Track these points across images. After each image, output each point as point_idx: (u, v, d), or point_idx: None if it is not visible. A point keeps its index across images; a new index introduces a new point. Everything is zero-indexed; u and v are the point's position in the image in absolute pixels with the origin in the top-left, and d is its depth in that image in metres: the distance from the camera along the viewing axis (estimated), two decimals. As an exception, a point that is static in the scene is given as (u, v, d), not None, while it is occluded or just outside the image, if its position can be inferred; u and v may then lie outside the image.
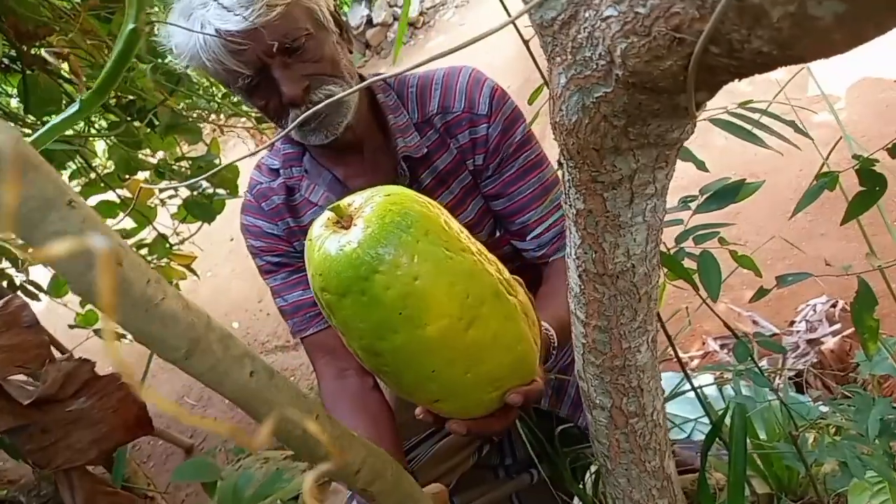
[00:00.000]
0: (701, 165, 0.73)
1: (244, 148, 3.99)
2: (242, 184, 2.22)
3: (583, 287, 0.50)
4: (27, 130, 1.78)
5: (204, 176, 1.16)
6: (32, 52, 1.61)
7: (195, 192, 2.22)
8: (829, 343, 2.09)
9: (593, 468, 1.19)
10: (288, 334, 3.54)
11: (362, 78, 1.09)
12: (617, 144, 0.41)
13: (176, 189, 2.26)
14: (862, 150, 0.95)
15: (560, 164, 0.45)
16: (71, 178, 2.26)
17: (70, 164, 2.16)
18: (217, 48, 0.91)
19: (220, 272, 4.33)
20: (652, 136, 0.41)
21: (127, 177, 2.18)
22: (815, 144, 0.95)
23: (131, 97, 1.99)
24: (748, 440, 0.92)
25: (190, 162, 2.20)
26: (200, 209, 2.21)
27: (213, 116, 2.35)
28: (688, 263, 0.77)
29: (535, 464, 1.24)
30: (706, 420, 1.18)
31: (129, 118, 1.97)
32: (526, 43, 0.63)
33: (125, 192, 2.17)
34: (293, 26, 0.92)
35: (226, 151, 5.07)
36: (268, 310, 3.80)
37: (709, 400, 1.09)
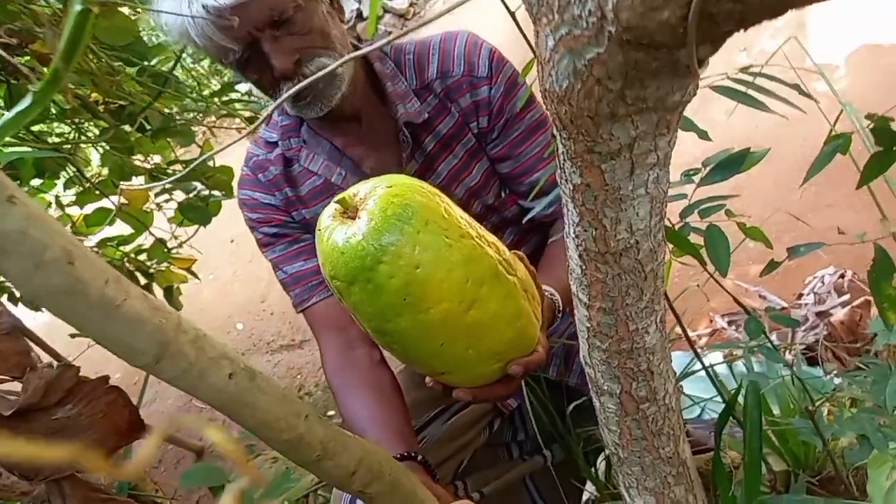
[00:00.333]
0: (703, 134, 0.70)
1: (239, 148, 3.97)
2: (237, 184, 2.20)
3: (584, 268, 0.47)
4: None
5: (180, 175, 1.14)
6: (15, 60, 1.58)
7: (190, 195, 2.20)
8: (839, 314, 2.06)
9: (606, 451, 1.17)
10: (293, 333, 3.54)
11: (356, 48, 1.08)
12: (613, 110, 0.37)
13: (170, 192, 2.23)
14: (859, 119, 0.91)
15: (553, 135, 0.42)
16: (65, 186, 2.24)
17: (63, 172, 2.14)
18: (205, 24, 0.90)
19: (222, 275, 4.30)
20: (651, 100, 0.38)
21: (122, 183, 2.16)
22: (821, 110, 0.92)
23: (121, 102, 1.96)
24: (762, 417, 0.89)
25: (183, 165, 2.17)
26: (196, 212, 2.18)
27: (204, 118, 2.32)
28: (694, 239, 0.74)
29: (548, 441, 1.25)
30: (717, 399, 1.15)
31: (119, 123, 1.94)
32: (512, 14, 0.60)
33: (122, 199, 2.14)
34: None
35: (221, 153, 5.04)
36: (271, 309, 3.78)
37: (720, 378, 1.06)
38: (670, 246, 0.73)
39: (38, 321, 1.95)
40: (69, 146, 1.97)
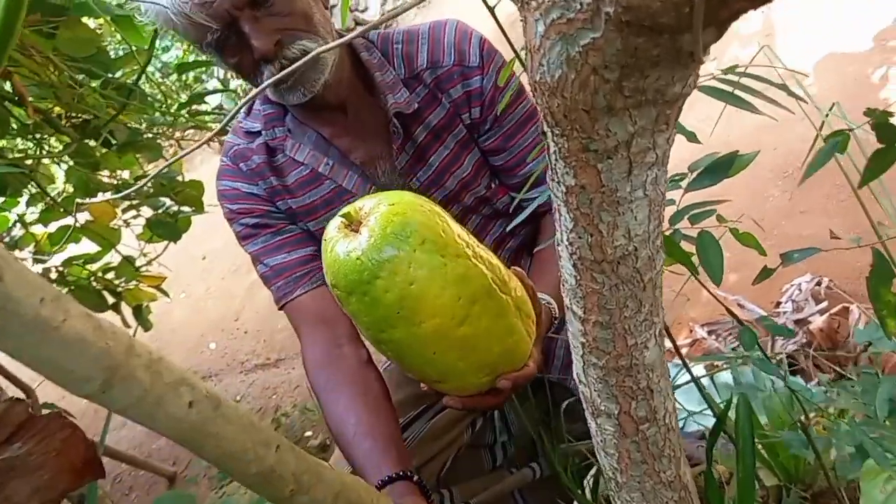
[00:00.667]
0: (692, 137, 0.68)
1: (211, 164, 3.90)
2: (208, 199, 2.15)
3: (579, 278, 0.43)
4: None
5: (141, 184, 1.09)
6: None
7: (159, 211, 2.14)
8: (818, 322, 2.06)
9: (604, 476, 1.15)
10: (269, 351, 3.46)
11: (341, 36, 1.05)
12: (610, 103, 0.34)
13: (138, 209, 2.17)
14: (848, 122, 0.90)
15: (543, 133, 0.39)
16: (28, 203, 2.16)
17: (26, 190, 2.07)
18: (183, 1, 0.88)
19: (194, 292, 4.21)
20: (650, 92, 0.35)
21: (87, 199, 2.10)
22: (806, 113, 0.90)
23: (85, 116, 1.90)
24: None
25: (152, 180, 2.11)
26: (165, 228, 2.12)
27: (173, 132, 2.27)
28: (683, 246, 0.71)
29: (533, 448, 1.25)
30: (705, 412, 1.12)
31: (82, 138, 1.88)
32: (491, 9, 0.57)
33: (86, 216, 2.08)
34: None
35: (192, 168, 4.97)
36: (246, 327, 3.70)
37: (705, 390, 1.04)
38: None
39: None
40: (31, 161, 1.90)
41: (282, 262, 1.10)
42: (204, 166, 4.76)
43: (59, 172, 2.59)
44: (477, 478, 1.27)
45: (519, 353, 0.81)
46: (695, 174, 0.73)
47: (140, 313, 2.29)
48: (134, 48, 1.70)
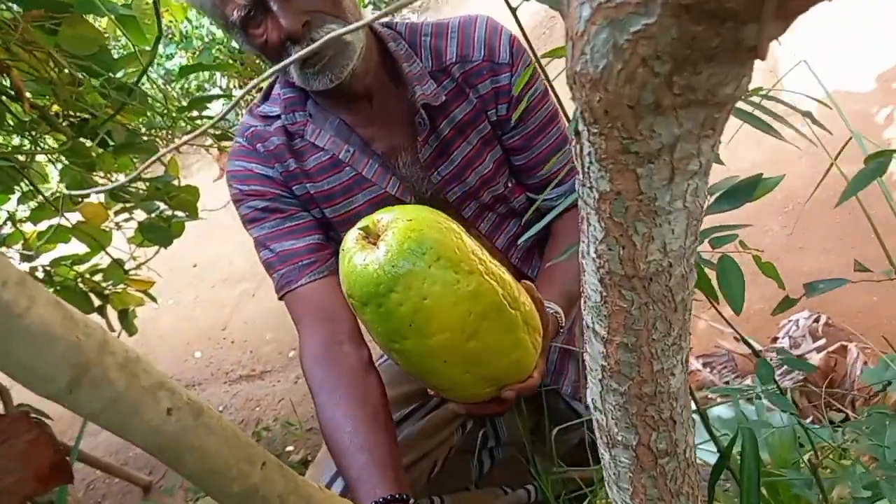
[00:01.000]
0: (715, 158, 0.64)
1: (209, 171, 3.87)
2: (203, 204, 2.11)
3: (605, 294, 0.39)
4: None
5: (129, 179, 1.06)
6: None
7: (152, 214, 2.10)
8: (815, 359, 2.03)
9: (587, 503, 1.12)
10: (254, 363, 3.40)
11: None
12: (658, 100, 0.31)
13: (131, 211, 2.13)
14: (866, 151, 0.88)
15: (577, 132, 0.35)
16: (20, 201, 2.13)
17: (18, 187, 2.03)
18: None
19: (183, 300, 4.15)
20: (701, 91, 0.31)
21: (80, 200, 2.06)
22: (816, 141, 0.88)
23: (83, 115, 1.87)
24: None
25: (147, 183, 2.08)
26: (157, 232, 2.08)
27: (172, 136, 2.23)
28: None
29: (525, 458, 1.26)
30: (704, 446, 1.09)
31: (79, 137, 1.85)
32: (513, 10, 0.54)
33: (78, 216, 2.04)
34: None
35: (188, 174, 4.93)
36: (232, 337, 3.64)
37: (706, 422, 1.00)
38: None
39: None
40: (24, 157, 1.86)
41: (289, 248, 1.08)
42: (201, 173, 4.73)
43: (53, 172, 2.55)
44: (466, 486, 1.26)
45: (524, 365, 0.84)
46: (713, 197, 0.70)
47: (125, 317, 2.25)
48: (136, 49, 1.68)
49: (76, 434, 1.06)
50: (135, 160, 2.16)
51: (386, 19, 1.11)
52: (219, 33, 5.10)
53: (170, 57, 5.30)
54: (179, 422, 0.30)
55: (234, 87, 5.31)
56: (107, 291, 2.17)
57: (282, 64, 0.43)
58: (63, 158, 1.91)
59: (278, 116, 1.09)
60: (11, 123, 1.90)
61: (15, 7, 1.41)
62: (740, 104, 0.64)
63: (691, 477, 0.48)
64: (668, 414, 0.44)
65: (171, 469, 0.33)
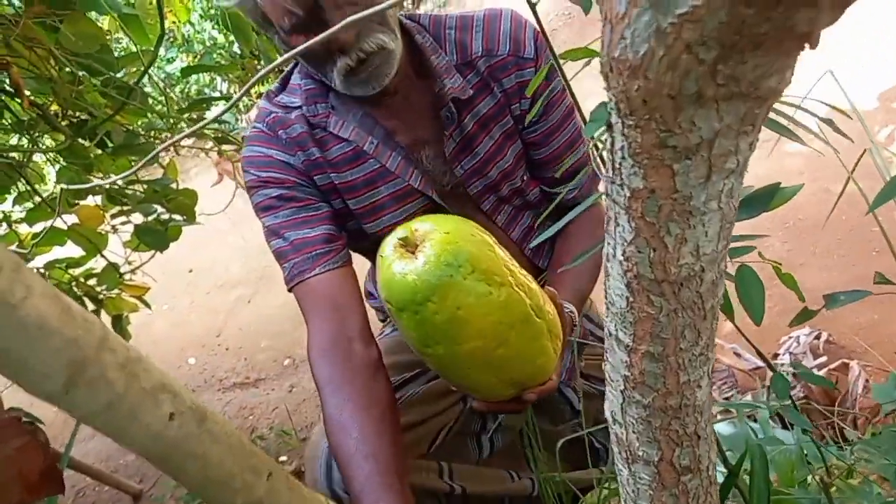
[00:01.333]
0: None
1: (207, 176, 3.85)
2: (200, 209, 2.09)
3: (631, 300, 0.37)
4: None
5: (126, 174, 1.04)
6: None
7: (149, 218, 2.08)
8: (816, 377, 2.01)
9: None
10: (248, 370, 3.37)
11: (401, 24, 1.07)
12: (702, 90, 0.29)
13: (128, 215, 2.10)
14: (879, 166, 0.86)
15: (609, 125, 0.33)
16: (15, 202, 2.10)
17: (14, 187, 2.01)
18: None
19: (178, 305, 4.12)
20: (745, 83, 0.29)
21: (76, 202, 2.04)
22: (839, 158, 0.86)
23: (82, 116, 1.85)
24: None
25: (145, 185, 2.05)
26: (153, 236, 2.05)
27: (167, 137, 2.21)
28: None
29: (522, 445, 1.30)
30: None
31: (78, 137, 1.82)
32: (532, 6, 0.52)
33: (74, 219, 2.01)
34: None
35: (187, 178, 4.91)
36: (227, 344, 3.61)
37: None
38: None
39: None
40: (21, 156, 1.84)
41: (304, 237, 1.06)
42: (199, 178, 4.71)
43: (50, 173, 2.53)
44: (472, 464, 1.25)
45: (546, 370, 0.89)
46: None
47: (119, 323, 2.22)
48: (139, 48, 1.66)
49: (67, 439, 1.03)
50: (133, 162, 2.13)
51: (409, 11, 1.11)
52: (220, 38, 5.09)
53: (171, 60, 5.29)
54: (182, 428, 0.28)
55: (235, 91, 5.30)
56: (101, 296, 2.14)
57: (280, 60, 0.41)
58: (61, 159, 1.89)
59: (299, 107, 1.08)
60: (9, 122, 1.88)
61: (16, 2, 1.40)
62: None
63: (713, 496, 0.46)
64: (692, 428, 0.41)
65: (166, 477, 0.31)
